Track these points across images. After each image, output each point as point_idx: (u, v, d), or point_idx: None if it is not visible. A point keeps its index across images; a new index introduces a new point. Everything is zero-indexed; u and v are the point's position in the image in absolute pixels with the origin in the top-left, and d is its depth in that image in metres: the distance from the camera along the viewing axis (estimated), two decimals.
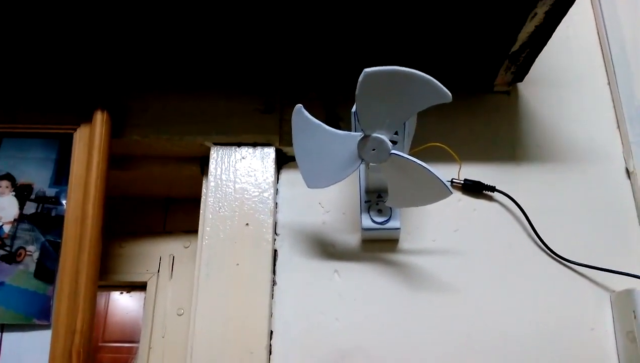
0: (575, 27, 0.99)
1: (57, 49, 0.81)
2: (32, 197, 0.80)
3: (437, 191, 0.67)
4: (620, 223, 0.85)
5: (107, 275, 1.00)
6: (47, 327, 0.74)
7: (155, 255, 1.02)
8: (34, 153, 0.82)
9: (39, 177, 0.81)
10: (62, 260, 0.76)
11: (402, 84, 0.60)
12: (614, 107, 0.93)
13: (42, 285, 0.75)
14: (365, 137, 0.66)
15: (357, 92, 0.61)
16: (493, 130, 0.91)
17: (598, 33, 0.99)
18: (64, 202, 0.79)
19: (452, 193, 0.66)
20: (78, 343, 0.71)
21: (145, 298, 0.99)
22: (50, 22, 0.75)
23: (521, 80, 0.91)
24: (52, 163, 0.81)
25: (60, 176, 0.80)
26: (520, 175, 0.88)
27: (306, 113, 0.69)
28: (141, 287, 1.01)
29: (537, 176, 0.88)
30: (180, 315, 0.97)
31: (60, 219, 0.78)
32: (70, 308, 0.73)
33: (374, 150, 0.66)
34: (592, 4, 1.01)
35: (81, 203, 0.77)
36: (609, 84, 0.95)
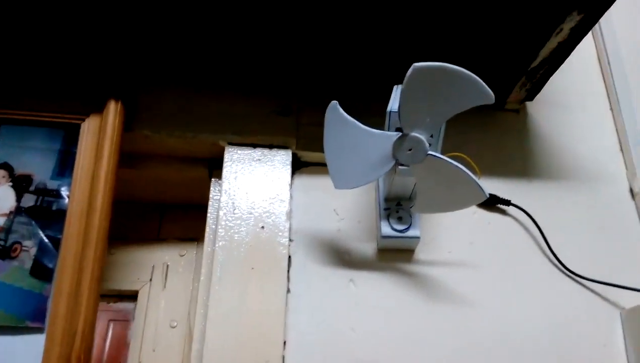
0: (577, 53, 1.02)
1: (70, 34, 0.76)
2: (32, 188, 0.73)
3: (471, 195, 0.66)
4: (626, 241, 0.87)
5: None
6: (40, 330, 0.67)
7: (148, 263, 0.96)
8: (35, 142, 0.76)
9: (40, 168, 0.75)
10: (62, 257, 0.70)
11: (449, 82, 0.60)
12: (617, 130, 0.96)
13: (38, 284, 0.69)
14: (403, 136, 0.64)
15: (402, 87, 0.60)
16: (504, 147, 0.92)
17: (599, 59, 1.02)
18: (66, 195, 0.73)
19: (487, 196, 0.65)
20: (79, 347, 0.65)
21: (135, 308, 0.93)
22: (67, 5, 0.71)
23: (532, 99, 0.93)
24: (55, 154, 0.75)
25: (64, 168, 0.75)
26: (533, 190, 0.89)
27: (341, 110, 0.67)
28: (132, 296, 0.94)
29: (548, 192, 0.89)
30: (173, 327, 0.91)
31: (61, 214, 0.72)
32: (70, 309, 0.67)
33: (410, 150, 0.65)
34: (592, 32, 1.05)
35: (87, 197, 0.72)
36: (611, 109, 0.98)
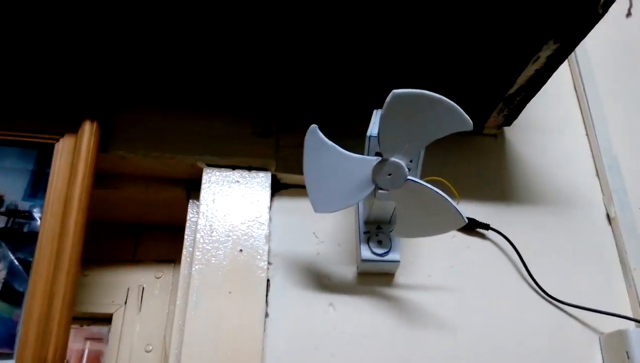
0: (553, 79, 1.04)
1: (45, 54, 0.75)
2: (2, 209, 0.71)
3: (450, 220, 0.66)
4: (604, 266, 0.88)
5: None
6: (9, 356, 0.65)
7: (123, 286, 0.94)
8: (7, 162, 0.74)
9: (11, 189, 0.73)
10: (33, 281, 0.68)
11: (428, 108, 0.60)
12: (593, 156, 0.98)
13: (7, 308, 0.66)
14: (383, 161, 0.64)
15: (382, 113, 0.61)
16: (483, 171, 0.92)
17: (575, 86, 1.04)
18: (38, 217, 0.71)
19: (466, 222, 0.65)
20: None
21: (110, 332, 0.90)
22: (41, 23, 0.70)
23: (510, 124, 0.94)
24: (28, 174, 0.74)
25: (37, 189, 0.73)
26: (511, 215, 0.89)
27: (320, 134, 0.67)
28: (106, 320, 0.92)
29: (526, 217, 0.90)
30: (148, 351, 0.89)
31: (33, 236, 0.70)
32: (40, 335, 0.65)
33: (389, 175, 0.65)
34: (567, 59, 1.07)
35: (60, 220, 0.70)
36: (587, 134, 1.00)
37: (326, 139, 0.67)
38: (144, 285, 0.94)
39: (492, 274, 0.84)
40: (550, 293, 0.83)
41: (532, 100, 0.99)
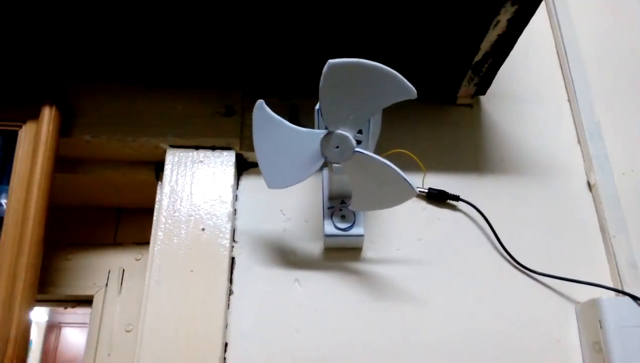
0: (534, 45, 1.01)
1: (3, 40, 0.76)
2: None
3: (401, 192, 0.65)
4: (583, 235, 0.85)
5: (52, 288, 0.93)
6: None
7: (104, 268, 0.96)
8: None
9: None
10: None
11: (367, 77, 0.59)
12: (574, 122, 0.94)
13: None
14: (329, 134, 0.63)
15: (320, 84, 0.59)
16: (456, 142, 0.90)
17: (557, 51, 1.01)
18: (4, 202, 0.73)
19: (417, 193, 0.64)
20: (12, 354, 0.65)
21: (91, 313, 0.92)
22: None
23: (484, 93, 0.91)
24: None
25: (2, 175, 0.75)
26: (484, 186, 0.87)
27: (268, 109, 0.66)
28: (87, 301, 0.94)
29: (500, 188, 0.87)
30: (128, 331, 0.91)
31: None
32: (5, 316, 0.67)
33: (337, 147, 0.64)
34: (550, 24, 1.03)
35: (23, 204, 0.72)
36: (568, 100, 0.96)
37: (274, 114, 0.66)
38: (124, 267, 0.96)
39: (463, 246, 0.83)
40: (524, 264, 0.81)
41: (512, 67, 0.97)
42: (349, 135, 0.63)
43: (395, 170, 0.63)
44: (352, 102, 0.61)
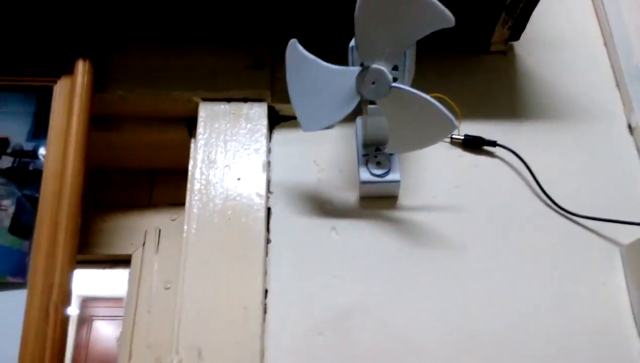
0: None
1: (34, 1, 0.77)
2: (9, 151, 0.75)
3: (441, 127, 0.64)
4: (625, 178, 0.83)
5: (89, 249, 0.94)
6: (22, 285, 0.69)
7: (141, 229, 0.97)
8: (11, 107, 0.77)
9: (16, 131, 0.76)
10: (40, 214, 0.71)
11: (403, 6, 0.57)
12: (612, 66, 0.91)
13: (17, 241, 0.70)
14: (364, 70, 0.62)
15: (355, 15, 0.58)
16: (492, 89, 0.88)
17: None
18: (42, 156, 0.74)
19: (457, 126, 0.63)
20: (56, 298, 0.66)
21: (130, 272, 0.94)
22: None
23: (517, 38, 0.89)
24: (31, 116, 0.77)
25: (39, 130, 0.76)
26: (522, 132, 0.85)
27: (301, 48, 0.65)
28: (125, 262, 0.95)
29: (538, 133, 0.85)
30: (167, 288, 0.92)
31: (38, 174, 0.73)
32: (49, 263, 0.68)
33: (373, 83, 0.63)
34: None
35: (61, 157, 0.73)
36: (605, 44, 0.93)
37: (307, 53, 0.66)
38: (161, 228, 0.97)
39: (501, 192, 0.81)
40: (566, 208, 0.79)
41: (545, 11, 0.95)
42: (385, 69, 0.62)
43: (435, 104, 0.62)
44: (387, 32, 0.59)
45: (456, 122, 0.63)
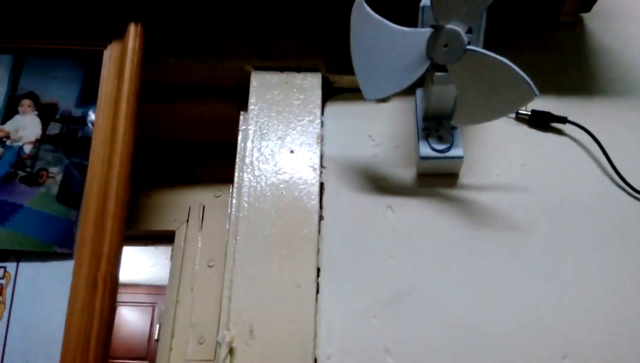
0: None
1: None
2: (57, 116, 0.72)
3: (518, 94, 0.59)
4: None
5: (133, 225, 0.92)
6: (69, 256, 0.66)
7: (184, 205, 0.94)
8: (60, 72, 0.74)
9: (64, 97, 0.73)
10: (89, 182, 0.68)
11: None
12: None
13: (64, 210, 0.67)
14: (438, 30, 0.58)
15: None
16: (560, 63, 0.83)
17: None
18: (91, 123, 0.72)
19: (537, 95, 0.57)
20: (105, 270, 0.64)
21: (173, 249, 0.91)
22: None
23: (589, 9, 0.83)
24: (79, 82, 0.74)
25: (88, 96, 0.73)
26: (593, 108, 0.79)
27: (367, 8, 0.61)
28: (169, 238, 0.93)
29: (611, 110, 0.79)
30: (211, 266, 0.89)
31: (87, 141, 0.70)
32: (97, 233, 0.65)
33: (446, 46, 0.58)
34: None
35: (111, 123, 0.70)
36: None
37: (374, 14, 0.61)
38: (204, 204, 0.94)
39: (570, 172, 0.76)
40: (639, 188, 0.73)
41: None
42: (461, 30, 0.57)
43: (514, 68, 0.57)
44: None
45: (536, 91, 0.57)
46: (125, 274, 3.59)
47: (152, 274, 2.95)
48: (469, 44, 0.59)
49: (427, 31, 0.59)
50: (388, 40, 0.61)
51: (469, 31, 0.60)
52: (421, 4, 0.61)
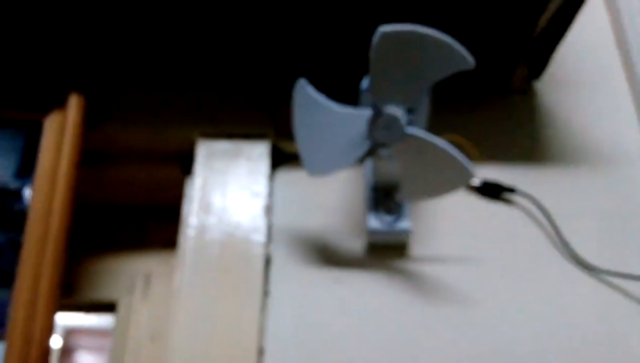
0: (590, 30, 0.94)
1: (30, 31, 0.73)
2: None
3: (457, 175, 0.58)
4: None
5: (72, 293, 0.88)
6: (2, 337, 0.63)
7: (129, 273, 0.91)
8: None
9: (1, 168, 0.71)
10: (23, 261, 0.65)
11: (421, 47, 0.53)
12: (636, 108, 0.87)
13: None
14: (378, 113, 0.57)
15: (370, 55, 0.54)
16: (510, 130, 0.83)
17: (615, 35, 0.93)
18: (27, 196, 0.69)
19: (474, 176, 0.57)
20: (35, 355, 0.60)
21: (116, 320, 0.87)
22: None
23: (538, 76, 0.84)
24: (18, 153, 0.72)
25: (26, 168, 0.71)
26: (541, 177, 0.80)
27: (310, 88, 0.61)
28: (110, 307, 0.89)
29: (559, 178, 0.80)
30: (155, 340, 0.85)
31: (22, 215, 0.68)
32: (28, 315, 0.62)
33: (386, 128, 0.58)
34: (607, 7, 0.96)
35: (48, 197, 0.67)
36: (629, 85, 0.89)
37: (316, 94, 0.61)
38: (151, 272, 0.90)
39: (519, 243, 0.75)
40: (589, 262, 0.73)
41: (566, 50, 0.90)
42: (400, 113, 0.57)
43: (451, 151, 0.57)
44: (404, 74, 0.55)
45: (473, 171, 0.57)
46: (88, 319, 3.47)
47: None
48: (410, 123, 0.59)
49: (367, 113, 0.59)
50: (329, 120, 0.61)
51: (410, 111, 0.60)
52: (361, 86, 0.61)
